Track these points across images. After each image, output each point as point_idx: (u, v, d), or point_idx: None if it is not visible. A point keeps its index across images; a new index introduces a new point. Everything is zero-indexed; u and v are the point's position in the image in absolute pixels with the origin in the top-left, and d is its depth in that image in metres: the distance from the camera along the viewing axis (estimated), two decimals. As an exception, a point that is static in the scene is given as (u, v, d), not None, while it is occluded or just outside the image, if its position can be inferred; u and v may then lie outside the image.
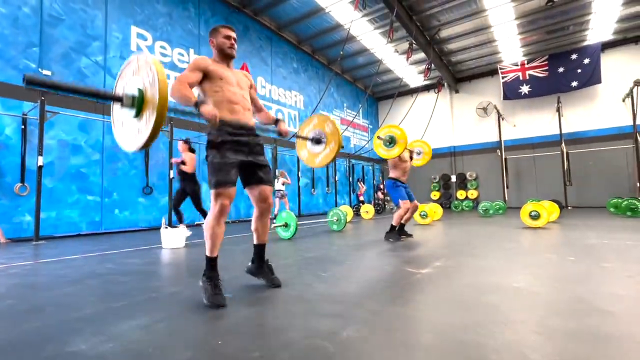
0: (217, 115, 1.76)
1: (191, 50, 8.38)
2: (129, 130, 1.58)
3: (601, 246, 3.52)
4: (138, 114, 1.51)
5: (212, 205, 1.90)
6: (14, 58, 5.54)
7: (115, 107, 1.67)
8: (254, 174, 2.06)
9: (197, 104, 1.75)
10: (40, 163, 5.14)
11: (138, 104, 1.49)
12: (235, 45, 2.13)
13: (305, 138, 2.60)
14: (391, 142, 4.34)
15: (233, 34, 2.12)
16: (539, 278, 2.26)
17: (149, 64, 1.47)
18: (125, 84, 1.62)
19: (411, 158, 4.83)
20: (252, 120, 2.10)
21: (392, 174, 4.60)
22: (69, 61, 6.20)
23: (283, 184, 8.72)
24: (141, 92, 1.49)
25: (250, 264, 2.23)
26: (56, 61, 6.03)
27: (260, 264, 2.19)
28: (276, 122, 2.29)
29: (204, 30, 8.69)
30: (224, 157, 1.90)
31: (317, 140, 2.56)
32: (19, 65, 5.58)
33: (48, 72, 5.89)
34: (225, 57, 2.12)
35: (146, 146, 1.50)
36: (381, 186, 13.91)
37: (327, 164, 2.56)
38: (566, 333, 1.33)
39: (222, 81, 2.00)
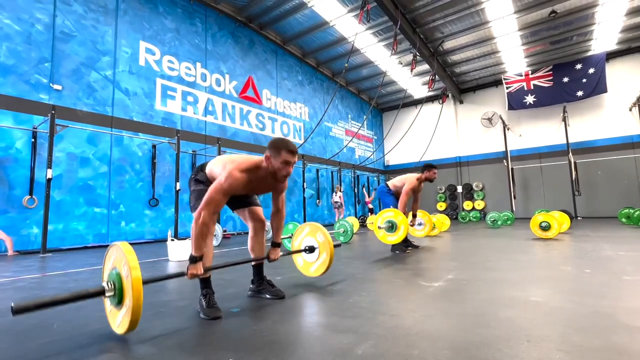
0: (199, 273, 1.77)
1: (198, 64, 8.52)
2: (117, 318, 1.52)
3: (618, 258, 3.42)
4: (120, 301, 1.47)
5: (196, 216, 1.79)
6: (26, 73, 5.66)
7: (106, 302, 1.62)
8: (241, 199, 2.11)
9: (191, 259, 1.77)
10: (49, 176, 5.18)
11: (118, 289, 1.47)
12: (291, 171, 1.90)
13: (298, 251, 2.59)
14: (392, 226, 4.12)
15: (294, 160, 1.88)
16: (558, 291, 2.18)
17: (122, 252, 1.45)
18: (106, 274, 1.61)
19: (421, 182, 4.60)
20: None
21: (392, 185, 4.65)
22: (79, 76, 6.32)
23: (340, 197, 10.77)
24: (118, 276, 1.48)
25: (251, 285, 2.26)
26: (67, 76, 6.15)
27: (260, 282, 2.21)
28: (274, 244, 2.24)
29: (210, 44, 8.85)
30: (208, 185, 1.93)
31: (310, 249, 2.55)
32: (30, 80, 5.70)
33: (59, 87, 6.00)
34: (272, 179, 1.95)
35: (130, 329, 1.43)
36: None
37: (322, 274, 2.55)
38: (593, 350, 1.27)
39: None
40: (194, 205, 1.97)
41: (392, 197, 4.52)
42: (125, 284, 1.43)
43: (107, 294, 1.48)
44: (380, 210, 14.26)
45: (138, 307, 1.37)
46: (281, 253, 2.28)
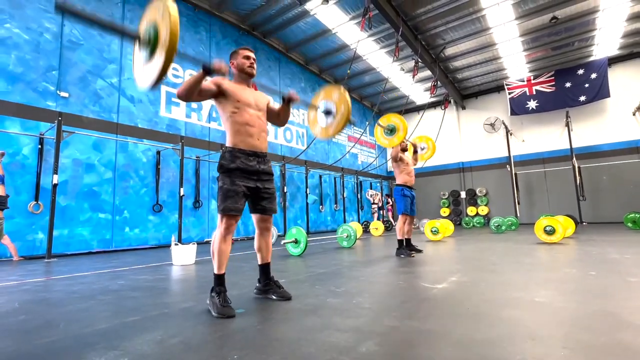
0: (224, 65, 1.89)
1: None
2: (145, 70, 1.69)
3: (623, 261, 3.40)
4: (152, 51, 1.59)
5: (218, 224, 1.98)
6: (34, 81, 5.76)
7: (136, 54, 1.78)
8: (259, 203, 2.14)
9: (204, 67, 1.86)
10: (55, 181, 5.24)
11: (153, 38, 1.59)
12: (255, 65, 2.22)
13: (315, 107, 2.69)
14: (392, 131, 4.47)
15: (252, 54, 2.22)
16: (562, 292, 2.17)
17: (162, 2, 1.60)
18: (143, 26, 1.75)
19: (415, 151, 4.98)
20: (266, 144, 2.20)
21: (399, 180, 4.63)
22: (86, 83, 6.42)
23: (375, 202, 12.78)
24: (155, 29, 1.60)
25: (257, 284, 2.28)
26: (74, 84, 6.25)
27: (266, 282, 2.23)
28: (285, 101, 2.38)
29: (214, 52, 8.97)
30: (233, 184, 1.99)
31: (327, 112, 2.61)
32: (38, 88, 5.80)
33: (65, 94, 6.10)
34: (246, 76, 2.21)
35: (159, 81, 1.57)
36: (389, 200, 13.85)
37: (341, 129, 2.57)
38: (597, 348, 1.26)
39: (240, 103, 2.08)
40: None
41: (404, 198, 4.50)
42: (161, 34, 1.54)
43: (141, 39, 1.63)
44: (379, 215, 14.22)
45: (172, 48, 1.50)
46: (300, 99, 2.42)
